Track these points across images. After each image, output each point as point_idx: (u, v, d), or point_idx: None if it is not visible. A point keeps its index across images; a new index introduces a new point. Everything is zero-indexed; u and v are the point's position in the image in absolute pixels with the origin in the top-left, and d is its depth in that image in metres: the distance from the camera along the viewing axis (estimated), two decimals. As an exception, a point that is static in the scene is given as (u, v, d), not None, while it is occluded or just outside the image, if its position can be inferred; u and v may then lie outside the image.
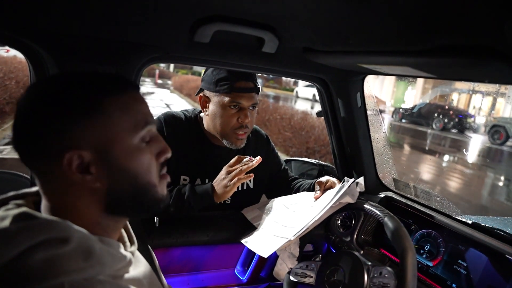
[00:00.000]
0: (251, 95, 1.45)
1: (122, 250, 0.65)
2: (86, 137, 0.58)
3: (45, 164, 0.59)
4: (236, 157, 1.42)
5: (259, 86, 1.51)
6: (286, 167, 1.78)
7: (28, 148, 0.59)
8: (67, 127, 0.57)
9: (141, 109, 0.64)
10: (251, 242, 1.36)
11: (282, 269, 1.43)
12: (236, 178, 1.35)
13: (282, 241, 1.24)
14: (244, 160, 1.39)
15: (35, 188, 0.67)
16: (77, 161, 0.57)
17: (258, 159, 1.37)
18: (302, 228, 1.23)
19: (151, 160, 0.65)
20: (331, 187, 1.42)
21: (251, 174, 1.37)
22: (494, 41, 0.63)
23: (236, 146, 1.50)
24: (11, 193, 0.64)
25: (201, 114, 1.58)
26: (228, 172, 1.37)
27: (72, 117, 0.57)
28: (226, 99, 1.43)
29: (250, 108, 1.48)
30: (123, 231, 0.74)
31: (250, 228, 1.47)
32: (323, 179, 1.47)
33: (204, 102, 1.51)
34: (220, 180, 1.38)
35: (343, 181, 1.33)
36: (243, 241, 1.38)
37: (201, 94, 1.53)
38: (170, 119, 1.50)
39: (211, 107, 1.48)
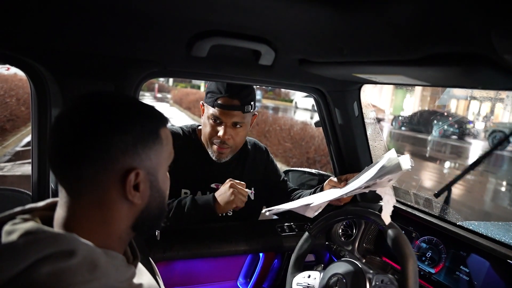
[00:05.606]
0: (233, 113, 1.45)
1: (125, 262, 0.67)
2: (145, 159, 0.64)
3: (103, 177, 0.61)
4: None
5: (250, 105, 1.49)
6: (285, 178, 1.79)
7: (92, 161, 0.60)
8: (137, 149, 0.63)
9: (171, 140, 0.72)
10: (275, 209, 1.36)
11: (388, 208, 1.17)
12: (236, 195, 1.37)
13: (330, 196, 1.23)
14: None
15: (41, 203, 0.68)
16: (133, 179, 0.62)
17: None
18: (358, 183, 1.18)
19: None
20: (347, 179, 1.45)
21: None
22: (483, 49, 0.64)
23: (218, 158, 1.53)
24: (18, 208, 0.65)
25: (199, 128, 1.62)
26: (232, 186, 1.38)
27: (142, 141, 0.63)
28: (210, 111, 1.48)
29: (233, 124, 1.48)
30: None
31: (252, 238, 1.47)
32: (342, 176, 1.51)
33: (202, 111, 1.57)
34: (224, 193, 1.39)
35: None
36: (264, 210, 1.37)
37: (201, 103, 1.58)
38: None
39: (203, 116, 1.54)
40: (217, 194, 1.41)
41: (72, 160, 0.60)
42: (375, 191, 1.14)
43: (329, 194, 1.30)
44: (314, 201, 1.27)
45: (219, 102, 1.44)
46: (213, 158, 1.53)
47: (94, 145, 0.59)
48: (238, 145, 1.55)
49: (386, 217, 1.04)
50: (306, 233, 1.29)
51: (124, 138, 0.61)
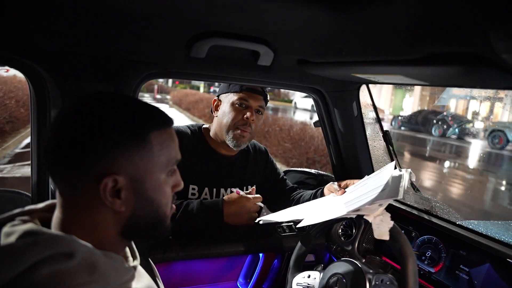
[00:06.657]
0: (259, 97, 1.57)
1: (125, 264, 0.66)
2: (127, 165, 0.60)
3: (80, 180, 0.60)
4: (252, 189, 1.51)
5: (267, 94, 1.62)
6: (285, 177, 1.81)
7: (69, 163, 0.59)
8: (114, 154, 0.59)
9: (174, 146, 0.68)
10: (266, 217, 1.37)
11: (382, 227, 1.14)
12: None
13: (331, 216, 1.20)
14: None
15: (40, 205, 0.68)
16: (111, 185, 0.59)
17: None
18: (360, 202, 1.16)
19: (170, 193, 0.69)
20: (347, 186, 1.49)
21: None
22: (481, 49, 0.64)
23: (237, 143, 1.56)
24: (17, 210, 0.65)
25: (204, 126, 1.68)
26: (250, 204, 1.44)
27: (121, 146, 0.60)
28: (235, 97, 1.55)
29: (256, 110, 1.57)
30: None
31: (252, 238, 1.47)
32: (341, 182, 1.55)
33: (216, 106, 1.63)
34: (244, 212, 1.43)
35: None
36: (257, 220, 1.37)
37: (215, 98, 1.65)
38: (176, 133, 1.54)
39: (222, 107, 1.60)
40: (228, 208, 1.42)
41: (56, 161, 0.60)
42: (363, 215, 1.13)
43: (322, 215, 1.28)
44: (306, 218, 1.27)
45: (246, 87, 1.55)
46: (231, 145, 1.57)
47: (70, 148, 0.59)
48: (254, 134, 1.62)
49: (383, 236, 1.02)
50: (306, 233, 1.29)
51: (99, 141, 0.58)
